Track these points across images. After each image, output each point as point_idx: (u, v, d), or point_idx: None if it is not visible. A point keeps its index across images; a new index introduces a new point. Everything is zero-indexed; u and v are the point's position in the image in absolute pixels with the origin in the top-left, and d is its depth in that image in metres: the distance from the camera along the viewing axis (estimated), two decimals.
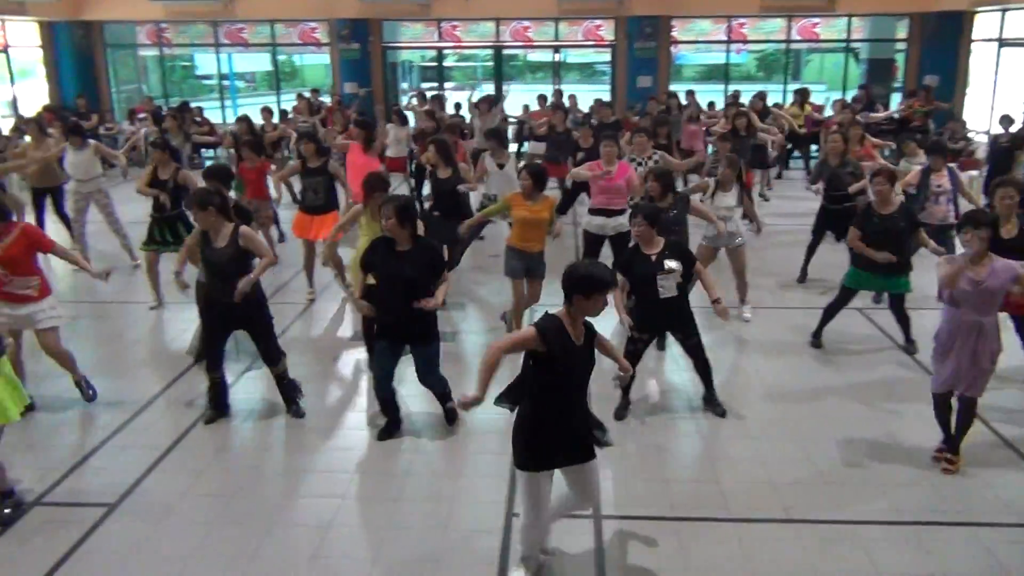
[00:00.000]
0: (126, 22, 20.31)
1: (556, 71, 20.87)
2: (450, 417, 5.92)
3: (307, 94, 17.95)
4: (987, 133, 15.70)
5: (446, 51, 21.59)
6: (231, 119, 13.87)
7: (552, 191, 11.36)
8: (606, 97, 17.11)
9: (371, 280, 5.63)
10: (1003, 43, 17.08)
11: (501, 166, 9.13)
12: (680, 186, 9.77)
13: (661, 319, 5.98)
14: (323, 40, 20.23)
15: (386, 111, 17.02)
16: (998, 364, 5.19)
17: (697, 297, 6.28)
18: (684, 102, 15.88)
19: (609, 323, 6.09)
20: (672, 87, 18.50)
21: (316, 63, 24.48)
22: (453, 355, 7.09)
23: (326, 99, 18.24)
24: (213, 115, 18.75)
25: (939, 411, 5.34)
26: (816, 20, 19.42)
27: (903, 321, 7.22)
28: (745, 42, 20.48)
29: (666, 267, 5.73)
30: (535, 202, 7.03)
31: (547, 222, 7.09)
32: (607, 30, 19.57)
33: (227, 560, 4.41)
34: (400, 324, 5.47)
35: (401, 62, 23.30)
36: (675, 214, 7.19)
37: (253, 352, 6.19)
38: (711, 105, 16.82)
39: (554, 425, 3.97)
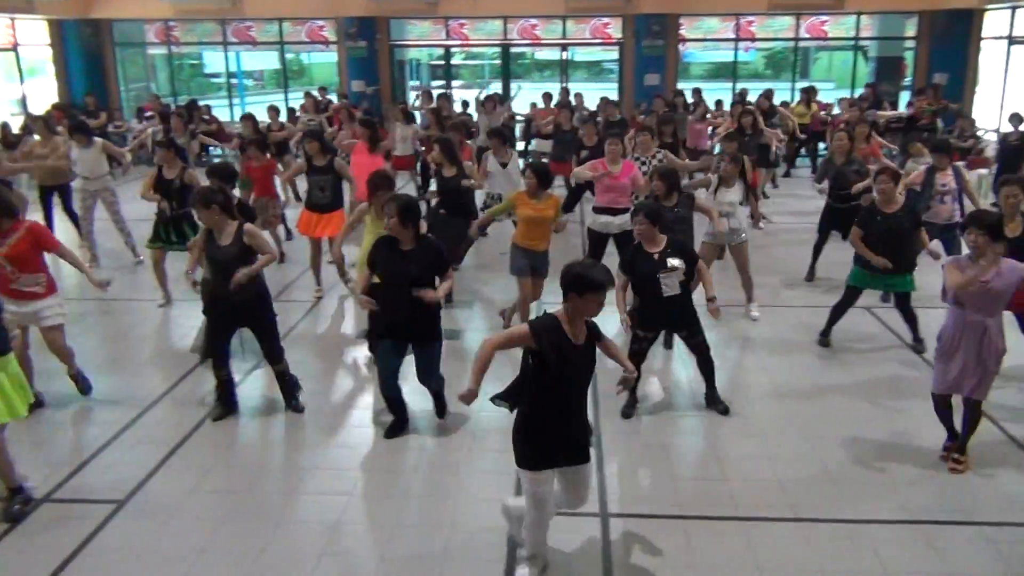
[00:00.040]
0: (135, 20, 20.37)
1: (564, 69, 20.83)
2: (440, 411, 5.96)
3: (315, 92, 17.97)
4: (997, 131, 15.63)
5: (453, 49, 21.57)
6: (239, 117, 13.88)
7: (558, 189, 11.43)
8: (613, 95, 17.09)
9: (376, 279, 5.64)
10: (1013, 41, 16.96)
11: (504, 165, 9.14)
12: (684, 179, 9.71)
13: (665, 317, 5.98)
14: (331, 38, 20.25)
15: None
16: (1006, 362, 5.18)
17: (701, 295, 6.27)
18: (691, 100, 15.85)
19: (613, 323, 6.08)
20: (680, 85, 18.45)
21: (324, 61, 24.49)
22: (458, 352, 7.10)
23: (334, 97, 18.26)
24: (221, 113, 18.80)
25: (940, 410, 5.33)
26: (825, 18, 19.35)
27: (910, 319, 7.20)
28: (753, 40, 20.41)
29: (669, 265, 5.73)
30: (540, 200, 7.03)
31: (552, 220, 7.09)
32: (615, 28, 19.53)
33: (235, 557, 4.42)
34: (403, 323, 5.49)
35: (409, 60, 23.30)
36: (680, 212, 7.18)
37: (259, 350, 6.21)
38: (719, 103, 16.78)
39: (553, 425, 3.97)
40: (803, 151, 16.41)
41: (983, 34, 18.02)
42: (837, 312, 7.29)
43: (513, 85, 19.52)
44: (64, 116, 14.29)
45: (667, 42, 18.90)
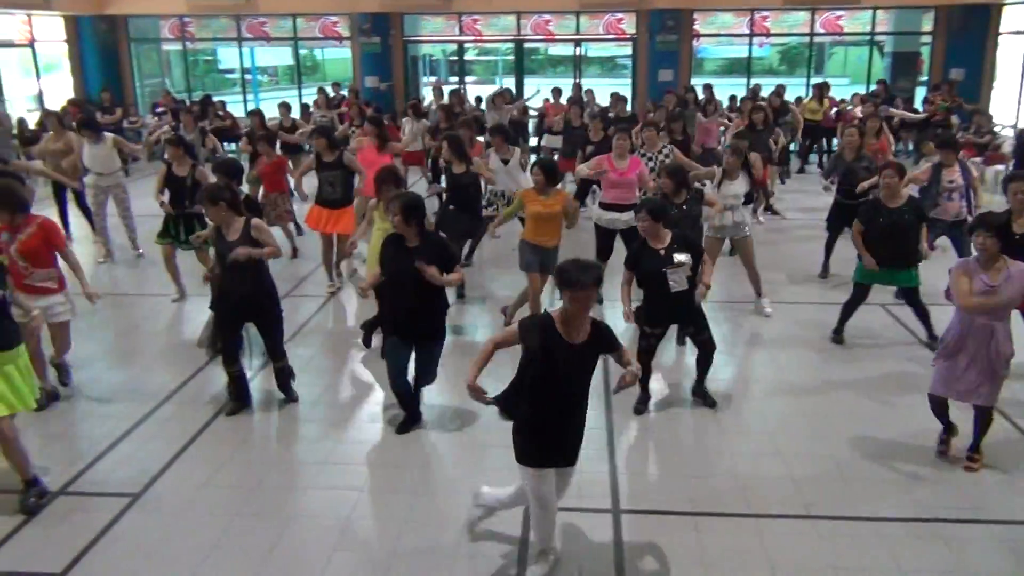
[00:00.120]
0: (150, 16, 20.49)
1: (577, 65, 20.78)
2: (416, 403, 5.91)
3: (328, 88, 17.99)
4: (1014, 127, 15.50)
5: (467, 45, 21.56)
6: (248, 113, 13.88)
7: (569, 186, 11.42)
8: (627, 91, 17.04)
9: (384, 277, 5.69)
10: None
11: (505, 161, 9.14)
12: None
13: (671, 313, 5.95)
14: (344, 34, 20.29)
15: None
16: (1017, 357, 5.13)
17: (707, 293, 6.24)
18: (702, 97, 15.79)
19: (619, 321, 6.08)
20: (693, 81, 18.39)
21: (338, 57, 24.53)
22: (465, 348, 7.10)
23: (347, 94, 18.29)
24: (236, 110, 18.87)
25: (935, 406, 5.31)
26: (840, 13, 19.21)
27: (922, 315, 7.15)
28: (768, 35, 20.30)
29: (675, 260, 5.71)
30: (548, 197, 7.03)
31: (561, 216, 7.08)
32: (628, 23, 19.48)
33: (247, 552, 4.45)
34: (409, 320, 5.53)
35: (422, 56, 23.32)
36: (689, 210, 7.14)
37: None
38: (732, 99, 16.72)
39: (553, 424, 3.98)
40: (814, 147, 16.36)
41: (1001, 29, 17.87)
42: (848, 309, 7.26)
43: (531, 87, 19.44)
44: (80, 112, 14.36)
45: (681, 38, 18.84)
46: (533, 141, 16.20)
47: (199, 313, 8.08)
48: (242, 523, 4.70)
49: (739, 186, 7.85)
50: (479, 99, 16.90)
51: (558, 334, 3.89)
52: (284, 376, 6.24)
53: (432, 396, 6.13)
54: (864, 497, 4.94)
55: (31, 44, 18.86)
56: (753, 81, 18.65)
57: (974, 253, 5.16)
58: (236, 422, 5.97)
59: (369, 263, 6.82)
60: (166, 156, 8.71)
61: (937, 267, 7.32)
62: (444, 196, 9.28)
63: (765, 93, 16.36)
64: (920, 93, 18.34)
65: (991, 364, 4.95)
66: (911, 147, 16.21)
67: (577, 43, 20.62)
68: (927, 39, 19.19)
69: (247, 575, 4.27)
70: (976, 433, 5.20)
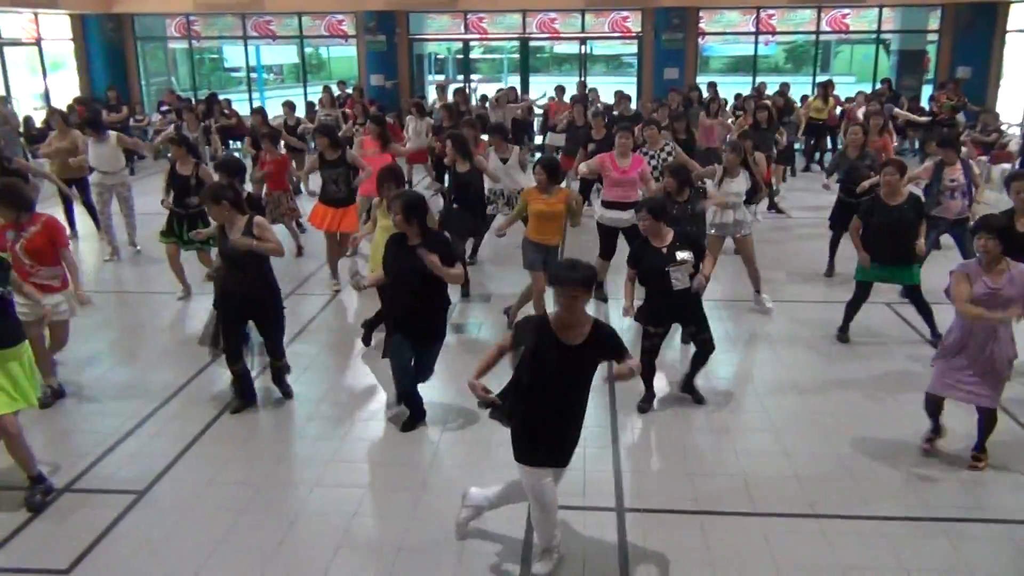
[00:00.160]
0: (156, 15, 20.55)
1: (583, 63, 20.77)
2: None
3: (334, 87, 18.00)
4: (1020, 125, 15.45)
5: (472, 43, 21.57)
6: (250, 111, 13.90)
7: (573, 184, 11.41)
8: (632, 90, 17.03)
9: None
10: None
11: (504, 160, 9.14)
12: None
13: (673, 311, 5.95)
14: (350, 32, 20.32)
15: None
16: (1020, 357, 5.12)
17: (706, 291, 6.23)
18: (706, 95, 15.76)
19: (620, 321, 6.08)
20: (699, 79, 18.38)
21: (343, 55, 24.57)
22: (469, 345, 7.11)
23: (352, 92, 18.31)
24: (241, 108, 18.89)
25: (929, 405, 5.29)
26: (846, 11, 19.19)
27: (925, 313, 7.12)
28: (774, 33, 20.27)
29: (678, 258, 5.71)
30: (551, 195, 7.03)
31: (563, 214, 7.09)
32: (634, 21, 19.47)
33: (252, 549, 4.45)
34: (410, 319, 5.55)
35: (428, 54, 23.32)
36: (692, 208, 7.13)
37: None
38: (738, 97, 16.69)
39: (546, 424, 3.98)
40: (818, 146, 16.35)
41: (1008, 27, 17.82)
42: (852, 308, 7.26)
43: (537, 88, 19.40)
44: (86, 110, 14.41)
45: (686, 36, 18.83)
46: (538, 140, 16.20)
47: (204, 311, 8.08)
48: (247, 520, 4.71)
49: (740, 184, 7.85)
50: (484, 98, 16.89)
51: (553, 335, 3.88)
52: (280, 373, 6.27)
53: (436, 394, 6.13)
54: (869, 495, 4.93)
55: (38, 42, 18.93)
56: (759, 79, 18.62)
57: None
58: (240, 420, 5.98)
59: (372, 262, 6.83)
60: (170, 155, 8.73)
61: (939, 265, 7.30)
62: (444, 193, 9.29)
63: (770, 91, 16.32)
64: (927, 91, 18.29)
65: (993, 366, 4.94)
66: (917, 145, 16.18)
67: (582, 41, 20.62)
68: (933, 37, 19.15)
69: (252, 572, 4.28)
70: (980, 433, 5.18)
